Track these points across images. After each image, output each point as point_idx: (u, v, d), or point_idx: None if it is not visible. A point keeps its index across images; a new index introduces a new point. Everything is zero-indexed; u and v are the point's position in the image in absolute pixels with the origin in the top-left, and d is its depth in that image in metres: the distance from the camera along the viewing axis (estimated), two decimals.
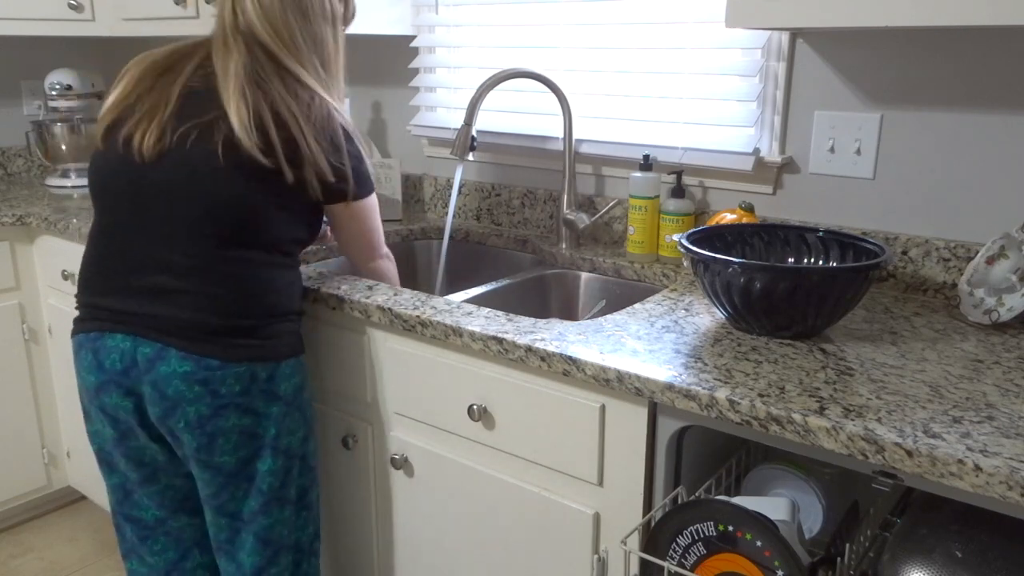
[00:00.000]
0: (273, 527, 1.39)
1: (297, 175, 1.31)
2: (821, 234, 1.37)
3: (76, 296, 1.38)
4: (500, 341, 1.24)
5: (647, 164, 1.68)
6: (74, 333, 1.37)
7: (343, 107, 1.42)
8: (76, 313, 1.37)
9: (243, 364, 1.30)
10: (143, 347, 1.28)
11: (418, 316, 1.35)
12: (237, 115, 1.26)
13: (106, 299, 1.32)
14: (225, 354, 1.29)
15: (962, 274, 1.41)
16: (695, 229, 1.37)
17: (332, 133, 1.33)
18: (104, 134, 1.35)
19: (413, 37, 2.11)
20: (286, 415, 1.37)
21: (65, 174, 2.64)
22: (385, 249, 1.56)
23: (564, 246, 1.82)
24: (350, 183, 1.37)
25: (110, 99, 1.36)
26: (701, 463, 1.23)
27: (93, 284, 1.35)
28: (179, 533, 1.45)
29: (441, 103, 2.09)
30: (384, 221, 2.08)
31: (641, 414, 1.15)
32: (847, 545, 1.10)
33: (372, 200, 1.46)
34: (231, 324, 1.30)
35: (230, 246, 1.30)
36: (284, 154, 1.28)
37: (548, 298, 1.78)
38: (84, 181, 2.63)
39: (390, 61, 2.21)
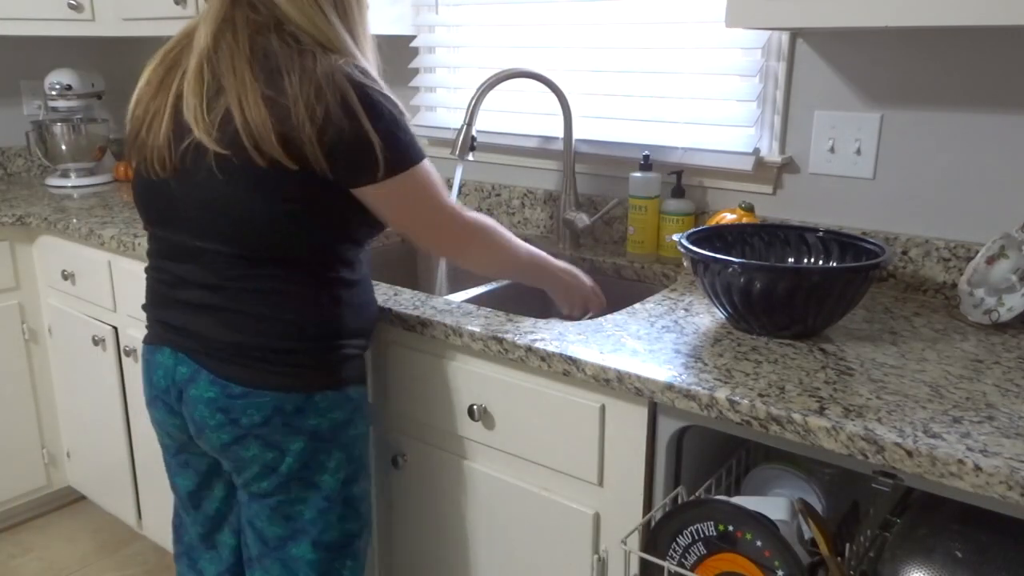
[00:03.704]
0: (305, 567, 1.28)
1: (302, 161, 1.10)
2: (821, 234, 1.37)
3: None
4: (500, 341, 1.24)
5: (647, 164, 1.68)
6: (142, 342, 1.32)
7: (370, 65, 1.19)
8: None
9: (267, 393, 1.17)
10: (181, 366, 1.21)
11: (418, 316, 1.35)
12: (189, 102, 1.12)
13: (158, 311, 1.26)
14: (251, 380, 1.17)
15: (962, 274, 1.41)
16: (695, 229, 1.37)
17: (341, 95, 1.09)
18: (128, 149, 1.24)
19: (413, 37, 2.11)
20: (317, 451, 1.23)
21: (65, 174, 2.64)
22: (469, 218, 1.27)
23: (564, 246, 1.82)
24: (377, 153, 1.12)
25: (129, 106, 1.23)
26: (701, 463, 1.23)
27: (151, 296, 1.28)
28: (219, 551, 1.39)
29: (441, 103, 2.09)
30: None
31: (641, 414, 1.15)
32: (847, 545, 1.10)
33: (423, 170, 1.18)
34: (262, 345, 1.17)
35: (256, 262, 1.16)
36: (280, 138, 1.08)
37: (548, 298, 1.78)
38: (84, 181, 2.63)
39: (390, 61, 2.20)
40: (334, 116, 1.09)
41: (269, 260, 1.16)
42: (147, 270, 1.29)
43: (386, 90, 1.16)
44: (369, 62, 1.21)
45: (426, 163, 1.19)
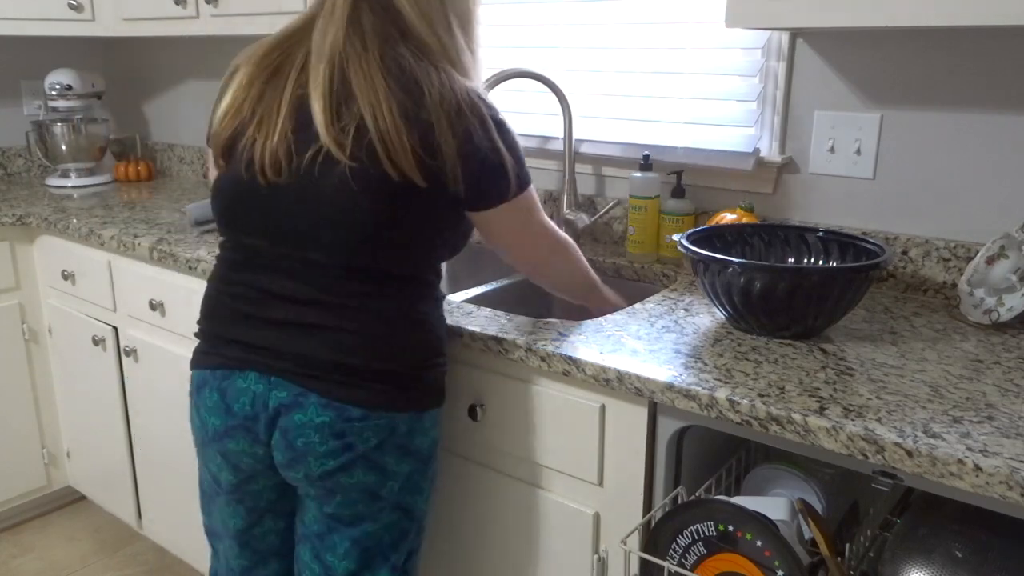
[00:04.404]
0: None
1: (434, 179, 1.08)
2: (821, 234, 1.37)
3: (198, 323, 1.23)
4: (500, 341, 1.24)
5: (647, 164, 1.68)
6: (195, 365, 1.20)
7: (483, 87, 1.18)
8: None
9: (384, 415, 1.13)
10: (278, 390, 1.12)
11: None
12: (315, 108, 1.08)
13: (235, 330, 1.16)
14: (369, 401, 1.12)
15: (962, 274, 1.41)
16: (695, 229, 1.37)
17: (480, 119, 1.09)
18: (223, 152, 1.17)
19: None
20: (417, 473, 1.20)
21: (65, 174, 2.64)
22: (561, 239, 1.29)
23: None
24: (511, 176, 1.13)
25: (221, 107, 1.17)
26: (701, 463, 1.23)
27: (220, 313, 1.18)
28: None
29: None
30: None
31: (641, 414, 1.15)
32: (847, 545, 1.10)
33: (533, 190, 1.21)
34: (379, 368, 1.12)
35: (375, 278, 1.12)
36: (416, 155, 1.06)
37: (548, 298, 1.78)
38: (84, 181, 2.63)
39: None
40: (476, 138, 1.09)
41: (379, 275, 1.13)
42: (216, 284, 1.21)
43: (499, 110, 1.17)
44: (480, 83, 1.21)
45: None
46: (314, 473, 1.14)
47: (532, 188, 1.20)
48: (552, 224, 1.28)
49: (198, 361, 1.20)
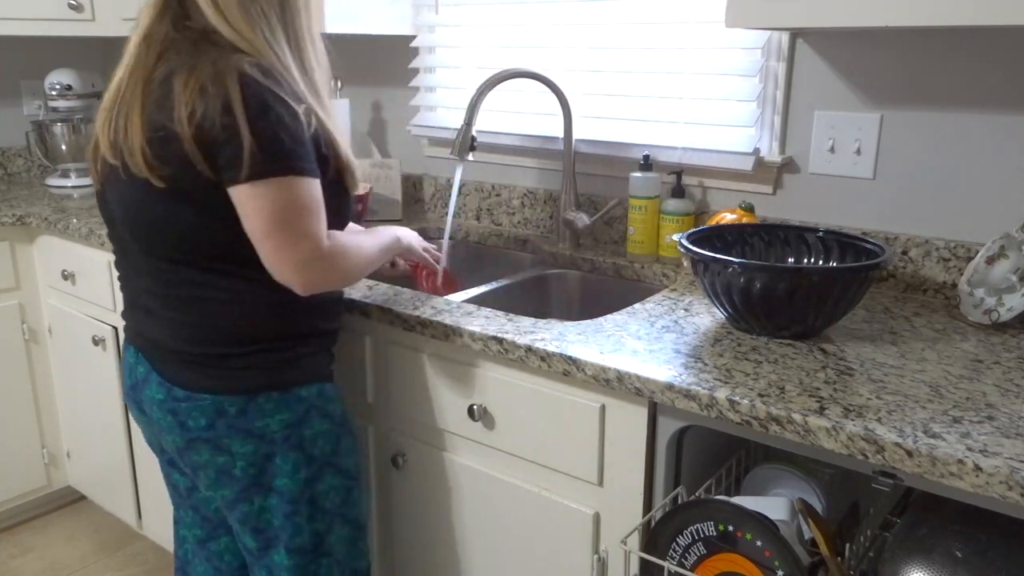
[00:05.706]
0: (284, 573, 1.28)
1: (171, 179, 1.10)
2: (821, 234, 1.37)
3: None
4: (500, 341, 1.24)
5: (647, 164, 1.68)
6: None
7: (293, 67, 1.16)
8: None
9: (207, 396, 1.18)
10: (140, 365, 1.25)
11: (418, 316, 1.35)
12: (101, 116, 1.20)
13: (124, 312, 1.31)
14: (191, 383, 1.19)
15: (962, 274, 1.41)
16: (695, 229, 1.37)
17: (224, 91, 1.05)
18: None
19: (413, 37, 2.11)
20: (270, 454, 1.21)
21: (65, 174, 2.64)
22: (327, 250, 1.13)
23: (564, 246, 1.82)
24: (244, 151, 1.05)
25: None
26: (701, 463, 1.23)
27: (123, 298, 1.33)
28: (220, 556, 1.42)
29: (441, 103, 2.09)
30: (385, 221, 2.08)
31: (641, 414, 1.15)
32: (847, 545, 1.10)
33: (299, 186, 1.08)
34: (202, 352, 1.18)
35: (181, 267, 1.16)
36: (147, 161, 1.10)
37: (548, 298, 1.78)
38: (84, 181, 2.63)
39: (390, 61, 2.21)
40: (210, 112, 1.06)
41: (188, 265, 1.16)
42: (118, 276, 1.34)
43: (292, 97, 1.10)
44: (305, 63, 1.18)
45: (307, 183, 1.10)
46: (172, 448, 1.25)
47: (300, 186, 1.09)
48: (323, 236, 1.12)
49: None
